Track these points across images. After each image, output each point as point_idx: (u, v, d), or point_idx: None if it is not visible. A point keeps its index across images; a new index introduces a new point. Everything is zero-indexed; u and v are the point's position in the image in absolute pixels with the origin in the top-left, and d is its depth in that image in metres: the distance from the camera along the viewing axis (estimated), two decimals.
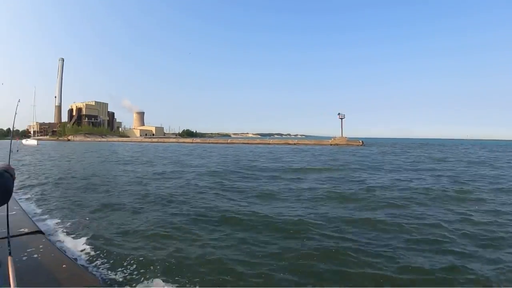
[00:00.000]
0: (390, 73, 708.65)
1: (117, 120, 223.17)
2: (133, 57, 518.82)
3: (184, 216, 8.94)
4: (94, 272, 5.20)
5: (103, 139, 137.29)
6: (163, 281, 4.93)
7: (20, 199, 10.84)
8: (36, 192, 12.83)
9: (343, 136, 77.08)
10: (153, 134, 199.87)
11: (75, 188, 14.00)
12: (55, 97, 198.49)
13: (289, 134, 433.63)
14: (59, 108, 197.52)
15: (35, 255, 5.00)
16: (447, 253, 6.17)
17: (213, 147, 66.11)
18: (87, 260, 5.79)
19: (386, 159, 30.58)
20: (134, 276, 5.12)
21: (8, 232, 2.88)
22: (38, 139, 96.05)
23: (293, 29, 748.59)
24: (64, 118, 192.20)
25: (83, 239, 6.87)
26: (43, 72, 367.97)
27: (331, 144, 72.68)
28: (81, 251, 6.21)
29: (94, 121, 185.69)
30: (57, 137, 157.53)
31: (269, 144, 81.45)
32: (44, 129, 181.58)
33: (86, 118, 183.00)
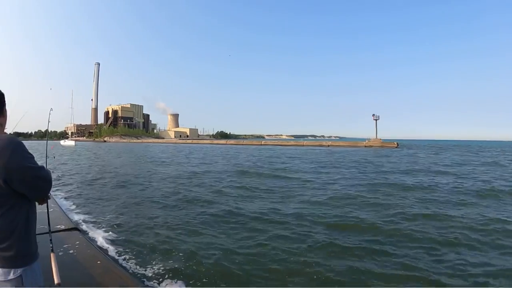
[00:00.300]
0: (429, 75, 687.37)
1: (152, 122, 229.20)
2: (168, 61, 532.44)
3: (212, 215, 8.99)
4: (126, 268, 5.27)
5: (138, 141, 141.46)
6: (188, 280, 4.95)
7: (56, 196, 11.18)
8: (73, 190, 13.37)
9: (377, 137, 74.85)
10: (187, 136, 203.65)
11: (109, 186, 14.50)
12: (92, 99, 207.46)
13: (323, 136, 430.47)
14: (95, 110, 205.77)
15: (71, 251, 5.09)
16: None
17: (245, 148, 66.35)
18: (119, 255, 5.89)
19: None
20: (161, 272, 5.18)
21: (50, 229, 2.89)
22: (75, 140, 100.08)
23: (329, 32, 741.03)
24: (100, 120, 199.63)
25: (116, 235, 7.05)
26: (78, 77, 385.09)
27: (365, 146, 70.90)
28: (114, 246, 6.34)
29: (129, 123, 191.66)
30: (93, 138, 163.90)
31: (302, 145, 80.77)
32: (81, 131, 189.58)
33: (122, 120, 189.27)
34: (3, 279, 1.75)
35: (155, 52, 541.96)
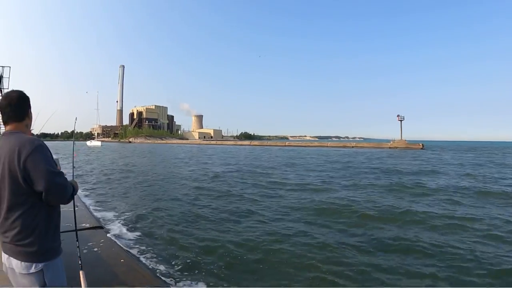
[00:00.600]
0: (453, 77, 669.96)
1: (176, 123, 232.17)
2: (193, 67, 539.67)
3: (238, 215, 9.00)
4: (149, 267, 5.31)
5: (162, 141, 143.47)
6: (209, 281, 4.92)
7: (82, 195, 11.42)
8: (98, 188, 13.75)
9: (402, 138, 73.08)
10: (211, 137, 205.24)
11: (134, 185, 14.80)
12: (117, 101, 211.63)
13: (347, 137, 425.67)
14: (120, 111, 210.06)
15: (96, 249, 5.18)
16: None
17: (268, 149, 66.22)
18: (142, 254, 5.96)
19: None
20: (183, 272, 5.19)
21: (76, 227, 2.94)
22: (101, 141, 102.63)
23: (349, 35, 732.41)
24: (125, 121, 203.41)
25: (139, 234, 7.15)
26: (102, 79, 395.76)
27: (390, 147, 69.29)
28: (137, 245, 6.43)
29: (154, 124, 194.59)
30: (118, 139, 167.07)
31: (326, 146, 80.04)
32: (106, 131, 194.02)
33: (147, 121, 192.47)
34: (25, 272, 1.89)
35: (180, 58, 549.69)
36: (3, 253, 1.97)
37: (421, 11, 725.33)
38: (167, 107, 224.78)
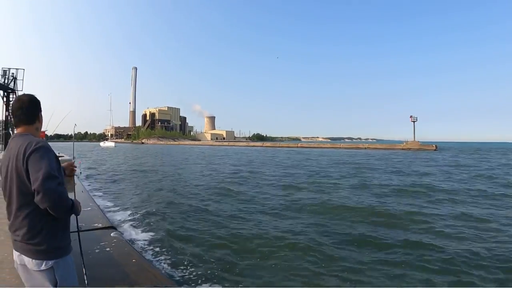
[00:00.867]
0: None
1: (189, 124, 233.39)
2: (205, 71, 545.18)
3: (243, 212, 9.19)
4: (160, 268, 5.33)
5: (175, 143, 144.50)
6: (222, 283, 4.92)
7: (95, 195, 11.54)
8: (111, 188, 13.93)
9: (415, 140, 72.07)
10: (224, 138, 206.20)
11: (146, 185, 14.97)
12: (130, 103, 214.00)
13: (360, 138, 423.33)
14: (133, 113, 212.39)
15: (107, 249, 5.19)
16: None
17: (279, 150, 66.16)
18: (154, 254, 6.00)
19: None
20: (195, 274, 5.19)
21: (78, 228, 2.93)
22: (114, 142, 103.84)
23: (362, 38, 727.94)
24: (138, 122, 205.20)
25: (151, 234, 7.23)
26: (114, 81, 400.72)
27: (402, 149, 68.49)
28: (149, 245, 6.49)
29: (166, 125, 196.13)
30: (131, 140, 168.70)
31: (339, 148, 79.54)
32: (119, 133, 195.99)
33: (159, 123, 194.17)
34: (36, 269, 1.95)
35: (192, 61, 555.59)
36: (14, 250, 2.03)
37: (429, 14, 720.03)
38: (179, 109, 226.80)
